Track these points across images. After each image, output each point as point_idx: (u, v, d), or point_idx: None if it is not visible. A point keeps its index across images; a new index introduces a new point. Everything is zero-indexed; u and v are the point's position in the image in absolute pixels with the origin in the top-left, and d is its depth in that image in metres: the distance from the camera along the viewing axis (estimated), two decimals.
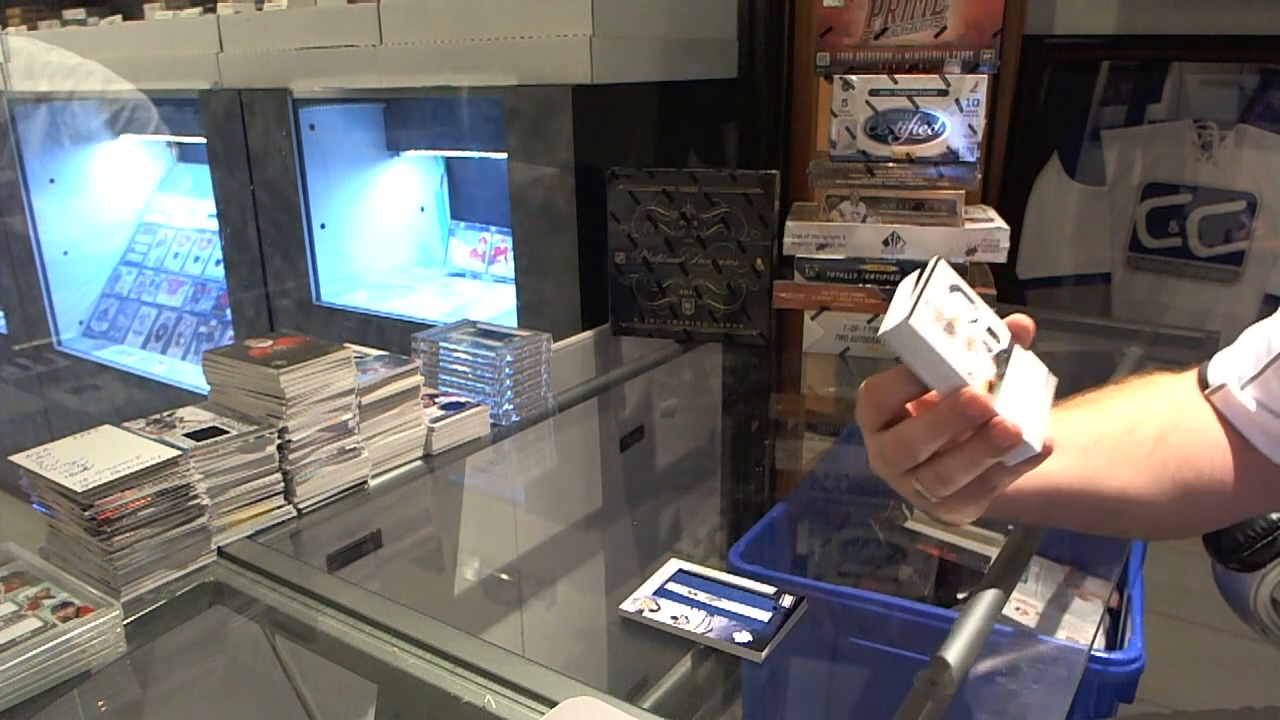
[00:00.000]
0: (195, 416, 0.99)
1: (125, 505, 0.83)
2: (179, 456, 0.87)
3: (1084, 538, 1.10)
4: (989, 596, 0.75)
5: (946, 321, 0.56)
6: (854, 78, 1.41)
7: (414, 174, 2.36)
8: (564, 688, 0.70)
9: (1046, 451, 0.57)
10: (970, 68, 1.38)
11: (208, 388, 1.04)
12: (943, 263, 0.58)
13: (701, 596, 0.90)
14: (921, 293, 0.55)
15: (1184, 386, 0.75)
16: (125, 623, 0.81)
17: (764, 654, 0.81)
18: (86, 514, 0.81)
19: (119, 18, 2.51)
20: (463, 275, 2.35)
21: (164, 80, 2.33)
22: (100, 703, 0.84)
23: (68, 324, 2.88)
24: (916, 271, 0.58)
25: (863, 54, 1.42)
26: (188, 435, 0.93)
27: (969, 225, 1.40)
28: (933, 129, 1.40)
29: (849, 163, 1.44)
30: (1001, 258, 1.39)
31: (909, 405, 0.60)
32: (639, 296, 1.57)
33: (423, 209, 2.39)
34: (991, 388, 0.56)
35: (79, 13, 2.63)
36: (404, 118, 2.22)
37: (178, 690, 0.98)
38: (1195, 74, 1.67)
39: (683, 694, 0.82)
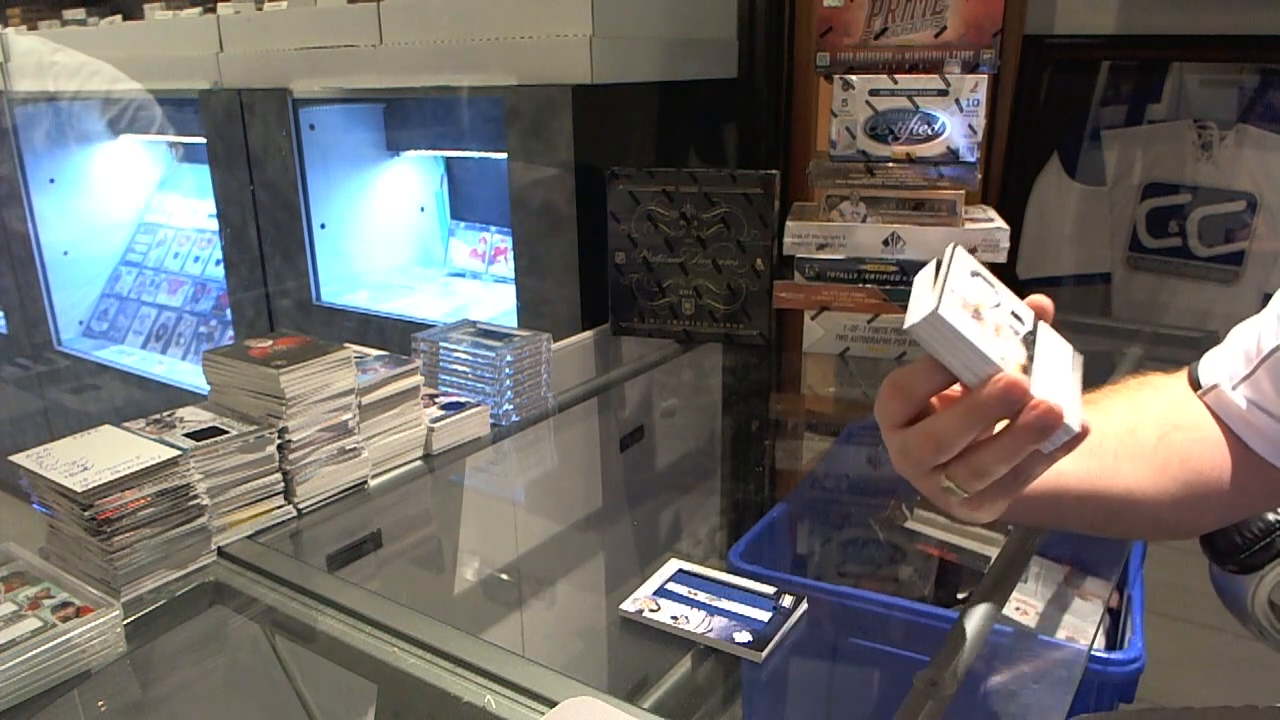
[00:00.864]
0: (195, 416, 0.98)
1: (125, 505, 0.83)
2: (179, 456, 0.87)
3: (1084, 538, 1.10)
4: (984, 606, 0.76)
5: (973, 308, 0.54)
6: (854, 78, 1.41)
7: (414, 174, 2.36)
8: (564, 688, 0.70)
9: (1085, 432, 0.54)
10: (970, 68, 1.38)
11: (208, 388, 1.04)
12: (959, 249, 0.56)
13: (701, 596, 0.90)
14: (945, 281, 0.53)
15: (1180, 386, 0.75)
16: (125, 623, 0.81)
17: (764, 654, 0.81)
18: (86, 514, 0.81)
19: (119, 18, 2.51)
20: (463, 275, 2.35)
21: (164, 80, 2.33)
22: (100, 703, 0.84)
23: (68, 324, 2.88)
24: (934, 261, 0.56)
25: (863, 54, 1.42)
26: (188, 435, 0.93)
27: (969, 225, 1.40)
28: (933, 129, 1.40)
29: (849, 163, 1.44)
30: (1001, 258, 1.39)
31: (933, 400, 0.57)
32: (639, 296, 1.57)
33: (423, 209, 2.39)
34: (1025, 370, 0.53)
35: (79, 13, 2.63)
36: (404, 118, 2.22)
37: (178, 690, 0.98)
38: (1195, 74, 1.67)
39: (683, 694, 0.82)
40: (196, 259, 2.84)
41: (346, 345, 1.05)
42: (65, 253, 2.84)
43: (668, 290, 1.55)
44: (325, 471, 1.02)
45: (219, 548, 0.92)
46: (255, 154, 2.12)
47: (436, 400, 1.21)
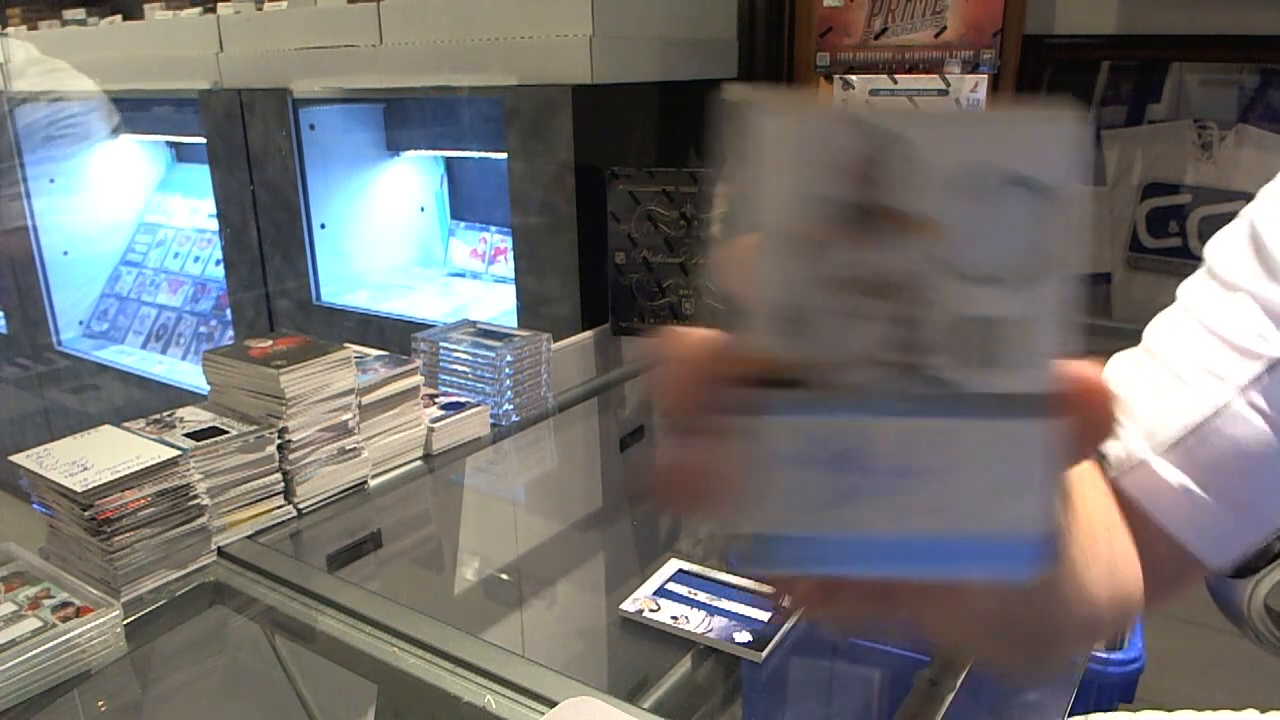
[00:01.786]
0: (195, 416, 0.98)
1: (125, 505, 0.83)
2: (179, 456, 0.87)
3: None
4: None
5: None
6: (854, 78, 1.41)
7: (414, 174, 2.36)
8: (564, 687, 0.70)
9: None
10: (970, 68, 1.38)
11: (208, 388, 1.04)
12: None
13: (701, 596, 0.90)
14: None
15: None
16: (125, 623, 0.81)
17: (764, 654, 0.81)
18: (86, 514, 0.81)
19: (119, 18, 2.51)
20: (463, 275, 2.35)
21: (164, 80, 2.33)
22: (100, 703, 0.84)
23: (68, 324, 2.88)
24: None
25: (863, 54, 1.42)
26: (188, 435, 0.93)
27: None
28: None
29: None
30: None
31: None
32: (639, 296, 1.57)
33: (423, 209, 2.39)
34: None
35: (79, 13, 2.63)
36: (404, 118, 2.22)
37: (178, 690, 0.98)
38: (1195, 74, 1.67)
39: (683, 694, 0.82)
40: (196, 259, 2.84)
41: (346, 345, 1.05)
42: (65, 253, 2.84)
43: (668, 290, 1.55)
44: (325, 471, 1.02)
45: (219, 548, 0.92)
46: (255, 154, 2.12)
47: (436, 400, 1.21)
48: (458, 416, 1.17)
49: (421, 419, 1.14)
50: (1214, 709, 0.87)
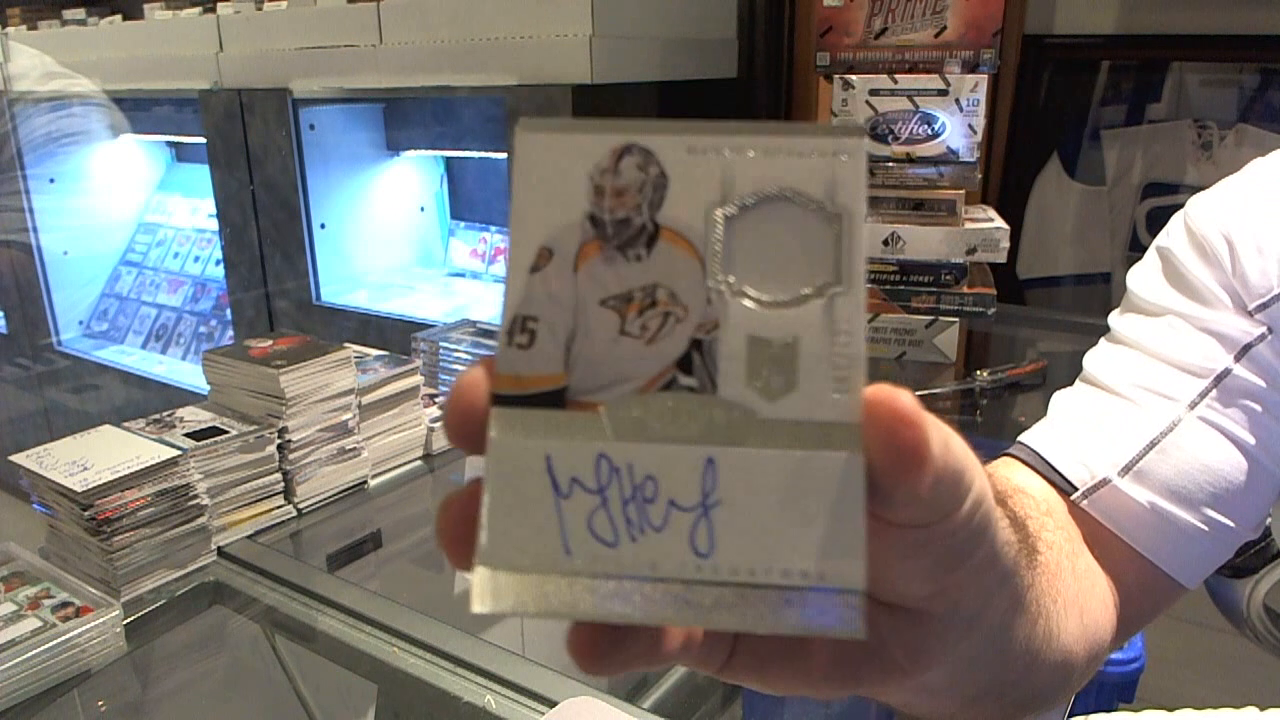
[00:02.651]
0: (195, 416, 0.98)
1: (125, 505, 0.83)
2: (179, 456, 0.87)
3: None
4: None
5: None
6: (854, 78, 1.41)
7: (414, 174, 2.36)
8: (564, 687, 0.70)
9: None
10: (970, 68, 1.38)
11: (208, 387, 1.04)
12: None
13: None
14: None
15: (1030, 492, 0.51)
16: (125, 623, 0.81)
17: None
18: (86, 514, 0.81)
19: (119, 18, 2.51)
20: (463, 275, 2.35)
21: (164, 80, 2.33)
22: (100, 703, 0.84)
23: (68, 324, 2.88)
24: None
25: (863, 54, 1.42)
26: (187, 435, 0.93)
27: (969, 225, 1.40)
28: (933, 129, 1.40)
29: None
30: (1001, 258, 1.39)
31: None
32: None
33: (423, 209, 2.39)
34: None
35: (79, 13, 2.63)
36: (404, 118, 2.22)
37: (178, 690, 0.98)
38: (1195, 74, 1.67)
39: (683, 694, 0.82)
40: (196, 259, 2.84)
41: (346, 345, 1.05)
42: (65, 252, 2.84)
43: None
44: (325, 471, 1.02)
45: (219, 548, 0.92)
46: (255, 154, 2.12)
47: (436, 400, 1.21)
48: None
49: (421, 419, 1.14)
50: (1214, 708, 0.87)
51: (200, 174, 2.48)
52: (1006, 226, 1.39)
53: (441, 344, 1.27)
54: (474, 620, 1.09)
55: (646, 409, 0.23)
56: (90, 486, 0.81)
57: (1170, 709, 0.79)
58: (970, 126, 1.38)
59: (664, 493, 0.23)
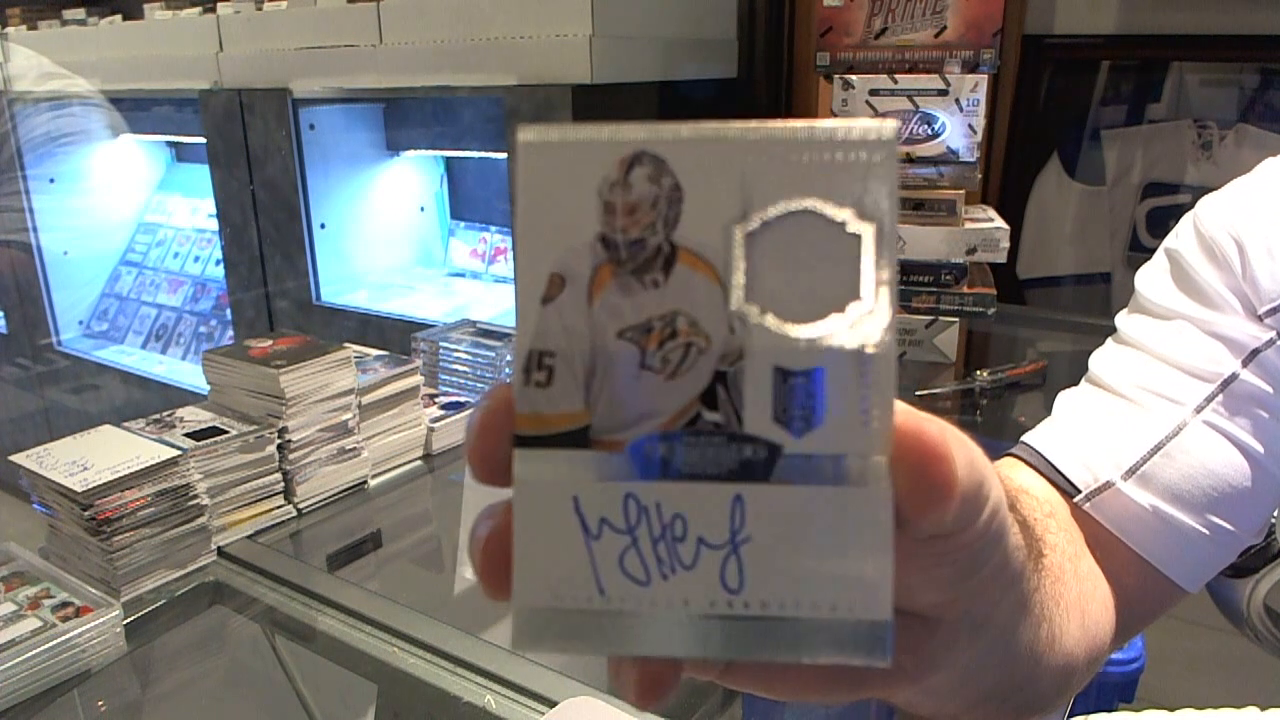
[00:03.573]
0: (195, 416, 0.98)
1: (125, 505, 0.83)
2: (179, 456, 0.87)
3: None
4: None
5: None
6: (854, 78, 1.41)
7: (414, 174, 2.36)
8: (563, 687, 0.70)
9: None
10: (970, 68, 1.38)
11: (208, 387, 1.04)
12: None
13: None
14: None
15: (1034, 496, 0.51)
16: (125, 623, 0.81)
17: None
18: (86, 514, 0.81)
19: (119, 18, 2.51)
20: (463, 275, 2.35)
21: (164, 80, 2.33)
22: (100, 703, 0.84)
23: (68, 324, 2.88)
24: None
25: (863, 54, 1.42)
26: (187, 435, 0.93)
27: (969, 225, 1.40)
28: (933, 129, 1.40)
29: None
30: (1001, 258, 1.39)
31: None
32: None
33: (423, 209, 2.39)
34: None
35: (79, 12, 2.63)
36: (404, 117, 2.22)
37: (177, 690, 0.98)
38: (1195, 74, 1.67)
39: (683, 694, 0.82)
40: (196, 259, 2.84)
41: (346, 345, 1.05)
42: (65, 252, 2.84)
43: None
44: (325, 471, 1.02)
45: (219, 547, 0.92)
46: (255, 154, 2.12)
47: (436, 400, 1.21)
48: (458, 416, 1.17)
49: (421, 419, 1.14)
50: (1215, 708, 0.87)
51: (200, 174, 2.48)
52: (1006, 226, 1.39)
53: (441, 344, 1.27)
54: (474, 620, 1.09)
55: (671, 447, 0.23)
56: (90, 486, 0.81)
57: (1171, 709, 0.79)
58: (970, 126, 1.38)
59: (693, 531, 0.23)
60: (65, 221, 2.82)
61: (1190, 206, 0.55)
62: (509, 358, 1.23)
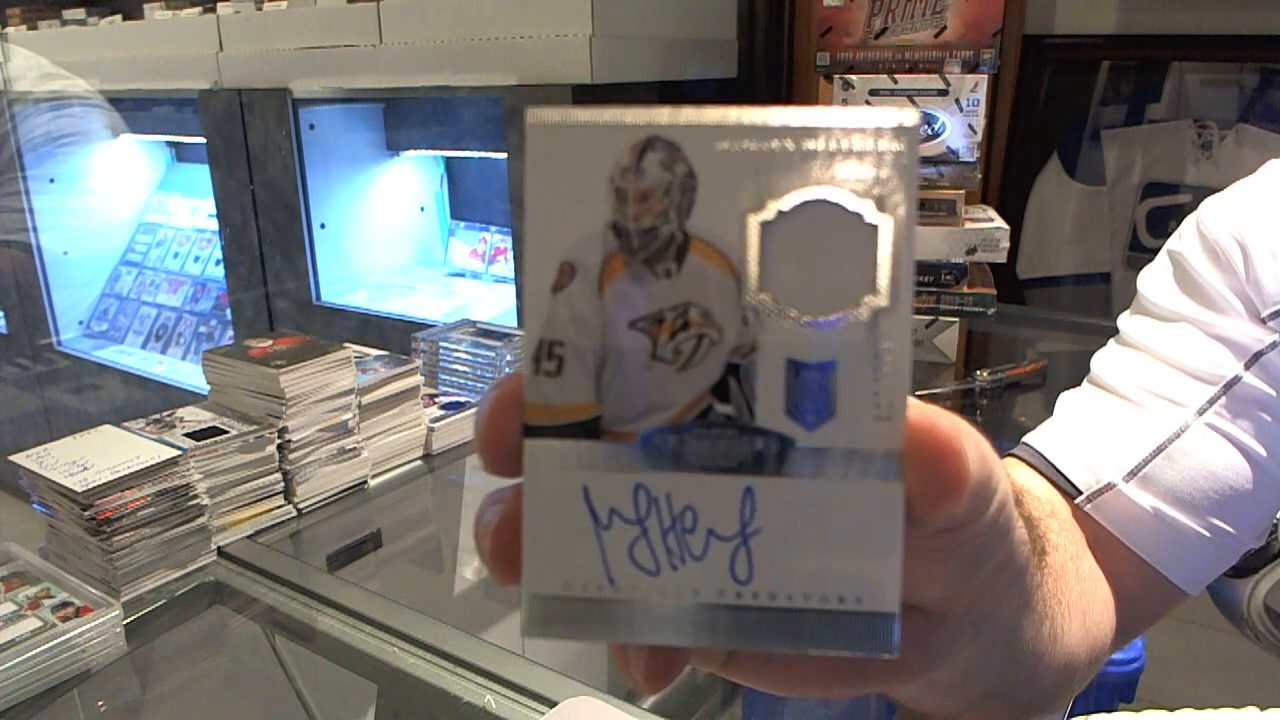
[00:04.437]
0: (195, 416, 0.98)
1: (125, 505, 0.83)
2: (179, 456, 0.87)
3: None
4: None
5: None
6: (854, 78, 1.41)
7: (414, 174, 2.36)
8: (564, 687, 0.69)
9: None
10: (970, 67, 1.38)
11: (208, 387, 1.04)
12: None
13: None
14: None
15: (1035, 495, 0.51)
16: (125, 623, 0.81)
17: None
18: (86, 514, 0.81)
19: (119, 18, 2.51)
20: (463, 275, 2.35)
21: (164, 80, 2.33)
22: (100, 703, 0.84)
23: (68, 324, 2.88)
24: None
25: (863, 54, 1.42)
26: (187, 435, 0.93)
27: (969, 225, 1.40)
28: (932, 129, 1.40)
29: None
30: (1001, 258, 1.39)
31: None
32: None
33: (422, 209, 2.39)
34: None
35: (79, 12, 2.63)
36: (404, 117, 2.22)
37: (177, 690, 0.98)
38: (1195, 74, 1.67)
39: (683, 694, 0.82)
40: (196, 259, 2.84)
41: (346, 345, 1.05)
42: (65, 252, 2.84)
43: None
44: (325, 471, 1.02)
45: (219, 548, 0.92)
46: (255, 154, 2.12)
47: (436, 400, 1.21)
48: (458, 416, 1.17)
49: (421, 419, 1.14)
50: (1215, 708, 0.87)
51: (200, 174, 2.48)
52: (1006, 226, 1.39)
53: (441, 344, 1.27)
54: (474, 620, 1.09)
55: (682, 439, 0.23)
56: (90, 486, 0.81)
57: (1170, 709, 0.79)
58: (970, 126, 1.38)
59: (703, 523, 0.23)
60: (65, 221, 2.82)
61: (1190, 207, 0.55)
62: (509, 358, 1.23)
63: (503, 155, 1.70)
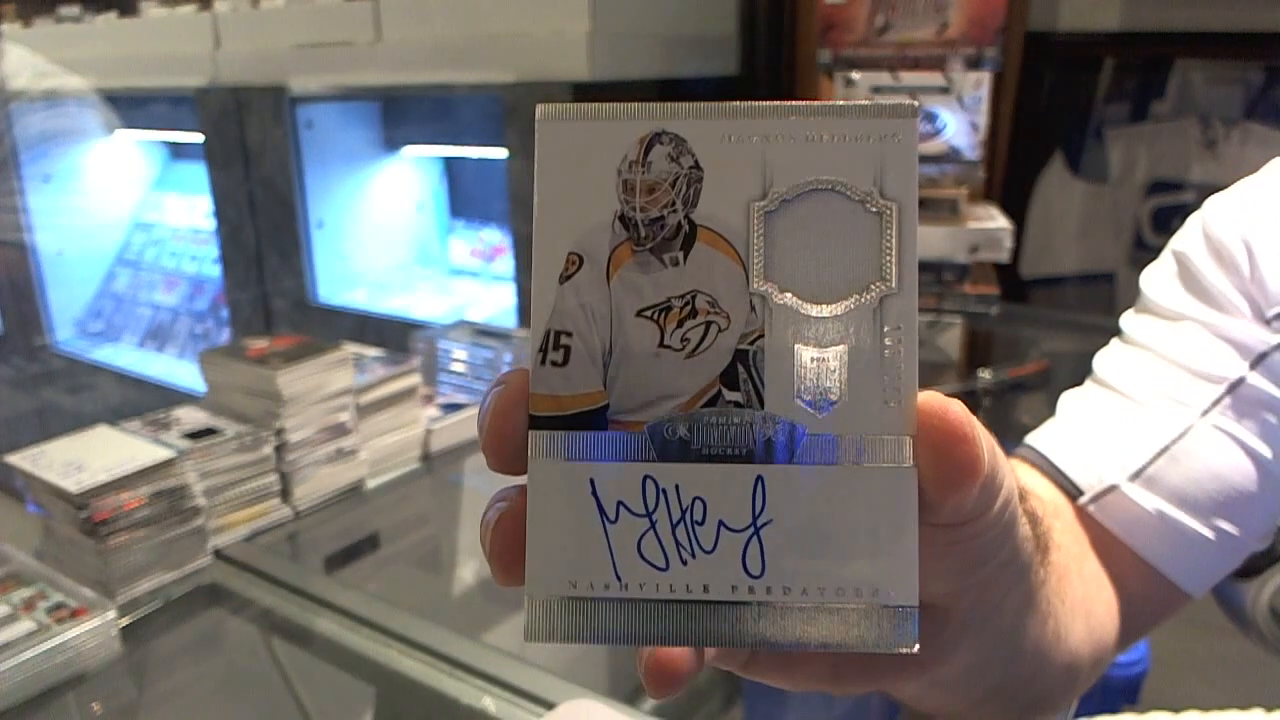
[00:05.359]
0: (191, 416, 0.98)
1: (121, 506, 0.82)
2: (175, 457, 0.86)
3: None
4: None
5: None
6: (856, 75, 1.40)
7: (412, 172, 2.35)
8: (562, 690, 0.69)
9: None
10: (973, 65, 1.37)
11: (204, 388, 1.03)
12: None
13: None
14: None
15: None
16: (121, 625, 0.81)
17: None
18: (81, 515, 0.80)
19: (114, 14, 2.50)
20: (461, 274, 2.34)
21: (160, 77, 2.32)
22: (95, 706, 0.83)
23: (63, 323, 2.87)
24: None
25: (865, 51, 1.41)
26: (184, 435, 0.93)
27: (972, 224, 1.40)
28: (935, 127, 1.39)
29: None
30: (1005, 256, 1.39)
31: None
32: None
33: (421, 207, 2.39)
34: None
35: (74, 9, 2.62)
36: (402, 115, 2.21)
37: (174, 693, 0.97)
38: (1199, 71, 1.67)
39: (683, 696, 0.81)
40: (193, 258, 2.83)
41: (344, 345, 1.05)
42: (60, 252, 2.83)
43: None
44: (322, 472, 1.02)
45: (215, 549, 0.92)
46: (252, 152, 2.11)
47: (435, 400, 1.20)
48: (456, 417, 1.17)
49: (419, 419, 1.13)
50: (1220, 710, 0.86)
51: (197, 172, 2.47)
52: (1009, 225, 1.39)
53: (440, 343, 1.27)
54: (472, 622, 1.08)
55: (691, 427, 0.22)
56: (85, 487, 0.80)
57: (1175, 711, 0.78)
58: (973, 124, 1.38)
59: (713, 514, 0.22)
60: (60, 220, 2.81)
61: (1195, 205, 0.54)
62: (508, 358, 1.22)
63: (502, 153, 1.69)
